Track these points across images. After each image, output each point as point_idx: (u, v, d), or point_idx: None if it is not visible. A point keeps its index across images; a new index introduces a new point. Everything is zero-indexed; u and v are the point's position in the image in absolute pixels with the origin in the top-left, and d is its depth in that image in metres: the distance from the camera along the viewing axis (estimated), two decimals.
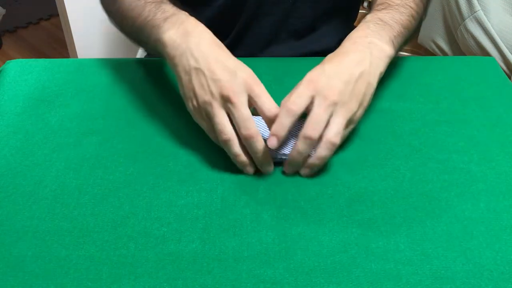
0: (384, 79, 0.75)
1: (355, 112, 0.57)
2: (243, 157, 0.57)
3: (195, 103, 0.57)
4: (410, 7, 0.70)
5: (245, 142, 0.55)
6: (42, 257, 0.49)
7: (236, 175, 0.59)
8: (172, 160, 0.61)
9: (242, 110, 0.54)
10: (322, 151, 0.56)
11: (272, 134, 0.55)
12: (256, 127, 0.55)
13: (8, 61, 0.77)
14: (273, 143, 0.55)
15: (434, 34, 1.97)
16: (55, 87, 0.72)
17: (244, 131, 0.54)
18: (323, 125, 0.55)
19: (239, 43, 0.86)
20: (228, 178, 0.58)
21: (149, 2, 0.66)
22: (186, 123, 0.65)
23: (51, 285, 0.47)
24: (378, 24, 0.64)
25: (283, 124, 0.54)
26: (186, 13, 0.63)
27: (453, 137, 0.65)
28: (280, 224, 0.53)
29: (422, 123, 0.67)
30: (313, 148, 0.56)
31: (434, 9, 1.93)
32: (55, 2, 1.55)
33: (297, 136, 0.56)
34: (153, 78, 0.74)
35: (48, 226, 0.52)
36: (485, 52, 1.74)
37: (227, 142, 0.55)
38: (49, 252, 0.50)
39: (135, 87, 0.72)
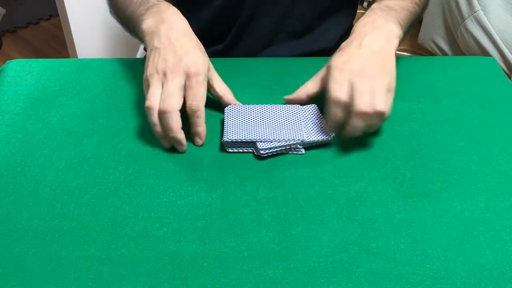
0: None
1: (389, 81, 0.61)
2: (158, 128, 0.59)
3: (144, 75, 0.61)
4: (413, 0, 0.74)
5: (160, 116, 0.58)
6: (42, 257, 0.49)
7: (236, 175, 0.59)
8: (172, 160, 0.61)
9: (171, 86, 0.58)
10: (374, 120, 0.59)
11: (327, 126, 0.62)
12: (175, 105, 0.58)
13: (8, 61, 0.77)
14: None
15: (434, 34, 1.97)
16: (55, 87, 0.72)
17: (161, 105, 0.58)
18: (370, 99, 0.58)
19: (237, 44, 0.86)
20: (228, 178, 0.58)
21: None
22: (186, 123, 0.65)
23: (51, 285, 0.47)
24: (383, 10, 0.68)
25: (336, 115, 0.60)
26: (167, 3, 0.67)
27: (453, 137, 0.65)
28: (280, 224, 0.53)
29: (422, 123, 0.67)
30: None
31: (434, 9, 1.93)
32: (55, 2, 1.55)
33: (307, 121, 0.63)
34: None
35: (48, 226, 0.52)
36: (485, 52, 1.74)
37: (148, 109, 0.59)
38: (49, 252, 0.50)
39: (135, 87, 0.72)
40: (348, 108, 0.59)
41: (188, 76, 0.59)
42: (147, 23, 0.65)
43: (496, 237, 0.53)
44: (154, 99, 0.58)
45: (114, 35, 1.58)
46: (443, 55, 1.97)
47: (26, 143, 0.62)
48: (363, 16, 0.68)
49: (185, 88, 0.59)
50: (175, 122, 0.58)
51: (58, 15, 1.64)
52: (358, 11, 0.95)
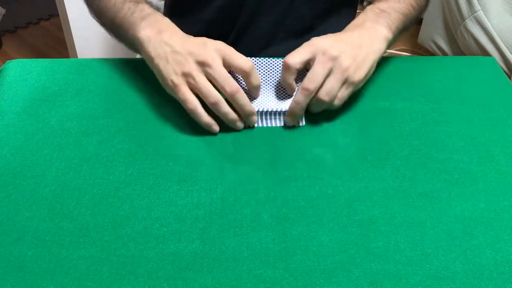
0: (384, 79, 0.75)
1: (353, 73, 0.61)
2: (233, 115, 0.61)
3: (174, 78, 0.61)
4: (408, 2, 0.74)
5: (230, 99, 0.60)
6: (42, 257, 0.49)
7: (236, 175, 0.59)
8: (172, 160, 0.61)
9: (221, 70, 0.59)
10: (309, 103, 0.62)
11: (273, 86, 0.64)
12: (236, 84, 0.59)
13: (8, 61, 0.77)
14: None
15: (434, 34, 1.97)
16: (55, 87, 0.72)
17: (228, 89, 0.59)
18: (321, 79, 0.60)
19: (238, 44, 0.86)
20: (228, 178, 0.58)
21: (128, 1, 0.70)
22: (187, 123, 0.65)
23: (51, 285, 0.47)
24: (375, 11, 0.69)
25: (285, 78, 0.62)
26: (161, 14, 0.68)
27: (453, 137, 0.65)
28: (280, 224, 0.53)
29: (422, 123, 0.67)
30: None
31: (434, 9, 1.93)
32: (55, 2, 1.55)
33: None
34: (153, 78, 0.74)
35: (48, 226, 0.52)
36: (485, 52, 1.74)
37: (216, 104, 0.59)
38: (49, 252, 0.50)
39: (135, 87, 0.72)
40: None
41: (222, 53, 0.60)
42: (145, 33, 0.64)
43: (496, 237, 0.53)
44: (214, 92, 0.59)
45: None
46: (443, 55, 1.97)
47: (26, 143, 0.62)
48: (355, 19, 0.69)
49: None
50: (245, 96, 0.60)
51: (58, 15, 1.64)
52: (358, 11, 0.95)
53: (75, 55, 1.65)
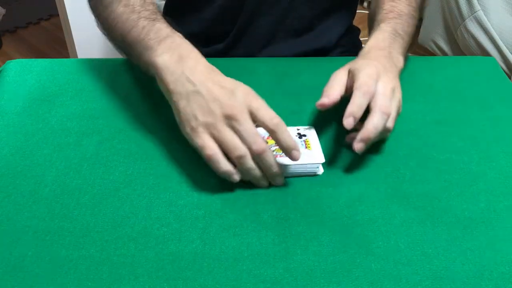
0: None
1: (398, 108, 0.61)
2: (257, 171, 0.55)
3: (194, 124, 0.54)
4: (414, 16, 0.73)
5: (257, 158, 0.54)
6: (42, 257, 0.49)
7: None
8: (172, 160, 0.61)
9: (249, 126, 0.53)
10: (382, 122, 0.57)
11: (349, 115, 0.55)
12: (264, 142, 0.54)
13: (8, 61, 0.77)
14: (350, 122, 0.55)
15: (434, 34, 1.97)
16: (55, 87, 0.72)
17: (255, 147, 0.53)
18: (390, 103, 0.58)
19: (238, 43, 0.86)
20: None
21: (143, 17, 0.63)
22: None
23: (51, 285, 0.47)
24: (394, 35, 0.68)
25: (360, 104, 0.56)
26: (180, 35, 0.61)
27: (453, 137, 0.65)
28: (280, 224, 0.53)
29: (422, 123, 0.67)
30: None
31: (434, 9, 1.93)
32: (55, 2, 1.55)
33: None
34: (153, 78, 0.74)
35: (48, 226, 0.52)
36: (485, 52, 1.74)
37: (241, 157, 0.53)
38: (49, 252, 0.50)
39: (135, 87, 0.72)
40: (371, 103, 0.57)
41: (249, 104, 0.53)
42: (163, 59, 0.57)
43: (496, 237, 0.53)
44: (241, 145, 0.53)
45: None
46: (443, 55, 1.97)
47: (26, 143, 0.62)
48: (375, 37, 0.67)
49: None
50: (272, 156, 0.54)
51: (58, 15, 1.64)
52: (358, 10, 0.95)
53: (75, 55, 1.66)
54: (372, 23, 0.74)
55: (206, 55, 0.91)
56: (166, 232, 0.52)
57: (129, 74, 0.74)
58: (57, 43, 2.18)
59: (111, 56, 0.80)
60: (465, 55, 1.84)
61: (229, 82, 0.56)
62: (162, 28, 0.61)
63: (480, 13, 1.71)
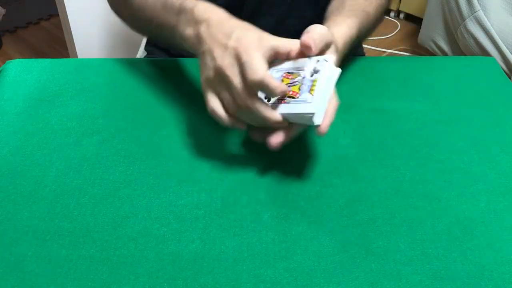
0: (384, 79, 0.76)
1: None
2: (254, 121, 0.56)
3: (201, 80, 0.57)
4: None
5: (246, 111, 0.54)
6: (42, 257, 0.49)
7: (236, 175, 0.59)
8: (172, 160, 0.61)
9: (234, 82, 0.53)
10: None
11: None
12: (247, 97, 0.53)
13: (8, 61, 0.77)
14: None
15: (434, 34, 1.98)
16: (55, 87, 0.72)
17: (239, 101, 0.54)
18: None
19: None
20: (228, 178, 0.58)
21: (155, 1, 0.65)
22: (186, 123, 0.65)
23: (51, 285, 0.47)
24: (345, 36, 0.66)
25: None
26: (191, 0, 0.62)
27: (453, 137, 0.65)
28: (280, 224, 0.53)
29: (422, 123, 0.67)
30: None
31: (434, 9, 1.93)
32: (55, 2, 1.55)
33: None
34: (153, 78, 0.74)
35: (48, 226, 0.52)
36: (485, 52, 1.74)
37: (233, 112, 0.55)
38: (49, 252, 0.50)
39: (135, 87, 0.72)
40: None
41: (238, 58, 0.54)
42: (188, 35, 0.60)
43: (496, 237, 0.53)
44: (229, 102, 0.55)
45: (114, 35, 1.58)
46: (443, 55, 1.97)
47: (26, 143, 0.62)
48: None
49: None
50: (262, 110, 0.54)
51: (58, 15, 1.64)
52: None
53: (75, 55, 1.65)
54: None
55: None
56: (166, 232, 0.52)
57: (129, 74, 0.74)
58: (57, 43, 2.18)
59: (111, 56, 0.80)
60: (465, 55, 1.84)
61: (226, 33, 0.56)
62: (174, 1, 0.63)
63: (480, 13, 1.71)
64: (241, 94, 0.54)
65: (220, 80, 0.55)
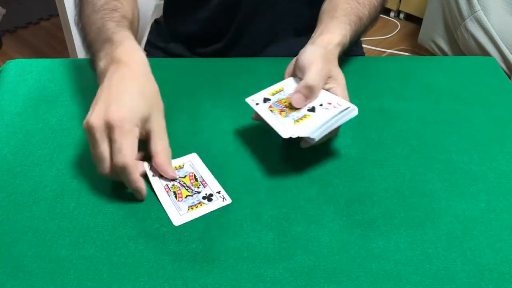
0: (384, 79, 0.76)
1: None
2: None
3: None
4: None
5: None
6: (42, 257, 0.49)
7: (236, 174, 0.59)
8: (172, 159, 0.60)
9: (97, 147, 0.52)
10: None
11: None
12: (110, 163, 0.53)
13: (8, 61, 0.77)
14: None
15: (434, 34, 1.97)
16: (55, 87, 0.72)
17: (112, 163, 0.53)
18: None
19: (237, 42, 0.86)
20: (228, 178, 0.58)
21: (98, 18, 0.62)
22: (186, 123, 0.65)
23: (51, 285, 0.47)
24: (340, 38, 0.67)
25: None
26: (124, 34, 0.59)
27: (453, 137, 0.65)
28: (280, 224, 0.53)
29: (422, 123, 0.67)
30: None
31: (434, 9, 1.93)
32: (55, 2, 1.55)
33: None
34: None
35: (48, 226, 0.52)
36: (485, 52, 1.74)
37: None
38: (49, 252, 0.50)
39: None
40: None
41: (110, 128, 0.51)
42: (100, 67, 0.58)
43: (496, 237, 0.53)
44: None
45: None
46: (443, 55, 1.97)
47: (26, 143, 0.62)
48: (324, 34, 0.65)
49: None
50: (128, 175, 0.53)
51: (58, 15, 1.64)
52: None
53: (75, 55, 1.65)
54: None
55: (206, 55, 0.91)
56: (166, 232, 0.52)
57: None
58: (57, 43, 2.18)
59: None
60: (465, 55, 1.84)
61: (121, 96, 0.53)
62: (109, 28, 0.60)
63: (480, 13, 1.71)
64: (104, 160, 0.52)
65: (88, 135, 0.53)
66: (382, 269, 0.49)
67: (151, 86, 0.57)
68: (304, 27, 0.86)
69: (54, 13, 2.30)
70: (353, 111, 0.57)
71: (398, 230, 0.53)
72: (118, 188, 0.57)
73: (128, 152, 0.51)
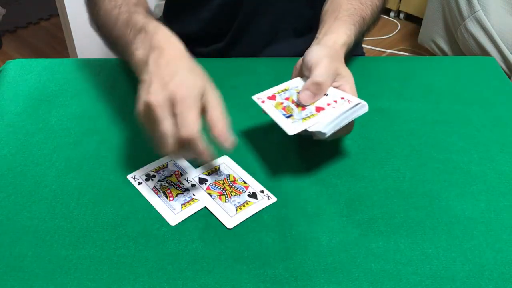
0: (384, 79, 0.75)
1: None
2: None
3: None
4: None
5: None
6: (42, 257, 0.49)
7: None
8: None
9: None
10: None
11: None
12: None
13: (8, 61, 0.77)
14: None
15: (434, 34, 1.97)
16: (55, 87, 0.72)
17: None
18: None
19: (238, 42, 0.86)
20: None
21: (122, 12, 0.64)
22: None
23: (51, 285, 0.47)
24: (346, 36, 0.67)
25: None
26: (156, 23, 0.60)
27: (453, 137, 0.65)
28: (280, 224, 0.53)
29: (422, 123, 0.67)
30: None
31: (434, 9, 1.93)
32: (55, 2, 1.55)
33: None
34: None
35: (48, 226, 0.52)
36: (485, 52, 1.74)
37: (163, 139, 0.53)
38: (49, 252, 0.50)
39: (135, 87, 0.72)
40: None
41: (173, 103, 0.52)
42: (138, 55, 0.58)
43: (496, 237, 0.53)
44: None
45: None
46: (443, 55, 1.97)
47: (26, 143, 0.62)
48: (332, 34, 0.65)
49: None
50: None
51: (58, 15, 1.64)
52: None
53: (75, 55, 1.66)
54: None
55: (207, 55, 0.91)
56: (166, 232, 0.52)
57: (129, 74, 0.74)
58: (57, 43, 2.18)
59: (111, 56, 0.80)
60: (465, 55, 1.84)
61: (176, 73, 0.54)
62: (138, 19, 0.61)
63: (480, 13, 1.71)
64: (170, 137, 0.52)
65: (147, 115, 0.53)
66: (382, 269, 0.49)
67: (197, 65, 0.57)
68: (304, 27, 0.86)
69: (54, 13, 2.30)
70: (364, 107, 0.57)
71: (398, 230, 0.53)
72: (118, 188, 0.57)
73: (194, 123, 0.51)
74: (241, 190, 0.56)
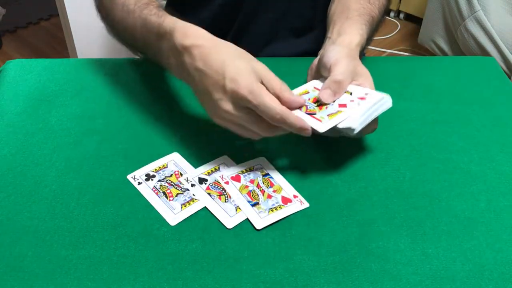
0: (384, 79, 0.75)
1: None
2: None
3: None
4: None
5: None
6: (42, 257, 0.49)
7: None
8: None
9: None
10: None
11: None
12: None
13: (8, 61, 0.77)
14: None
15: (434, 34, 1.97)
16: (55, 87, 0.72)
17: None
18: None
19: (238, 42, 0.85)
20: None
21: (136, 18, 0.64)
22: (186, 123, 0.65)
23: (51, 285, 0.47)
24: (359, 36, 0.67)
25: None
26: (170, 25, 0.59)
27: (453, 137, 0.65)
28: (280, 224, 0.53)
29: (422, 123, 0.67)
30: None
31: (434, 9, 1.93)
32: (55, 2, 1.55)
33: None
34: (152, 78, 0.74)
35: (48, 226, 0.52)
36: (485, 52, 1.74)
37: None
38: (49, 252, 0.50)
39: (135, 87, 0.72)
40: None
41: (243, 102, 0.53)
42: (172, 65, 0.59)
43: (496, 237, 0.53)
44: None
45: None
46: (443, 55, 1.97)
47: (26, 143, 0.62)
48: (347, 34, 0.65)
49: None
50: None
51: (58, 15, 1.64)
52: None
53: (75, 55, 1.65)
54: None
55: None
56: (166, 232, 0.52)
57: (129, 74, 0.74)
58: (57, 43, 2.18)
59: (111, 56, 0.80)
60: (465, 55, 1.84)
61: (219, 74, 0.54)
62: (153, 22, 0.61)
63: (480, 13, 1.71)
64: (264, 129, 0.55)
65: (228, 126, 0.56)
66: (382, 269, 0.49)
67: (225, 42, 0.58)
68: (304, 27, 0.86)
69: (54, 13, 2.30)
70: (388, 102, 0.57)
71: (398, 230, 0.53)
72: (118, 188, 0.57)
73: (273, 104, 0.52)
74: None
